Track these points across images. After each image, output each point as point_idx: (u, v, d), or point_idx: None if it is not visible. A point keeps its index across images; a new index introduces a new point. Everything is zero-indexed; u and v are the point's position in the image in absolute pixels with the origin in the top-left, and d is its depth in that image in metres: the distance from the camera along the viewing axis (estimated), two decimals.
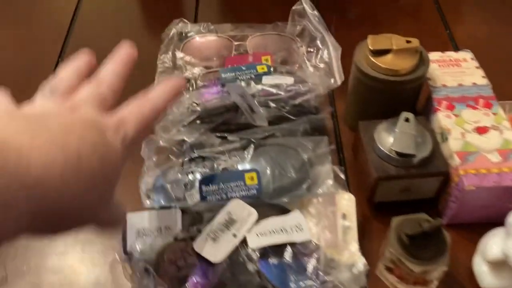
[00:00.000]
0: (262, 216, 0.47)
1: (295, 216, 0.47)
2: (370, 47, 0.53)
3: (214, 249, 0.44)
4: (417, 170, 0.50)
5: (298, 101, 0.56)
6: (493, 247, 0.46)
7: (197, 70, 0.64)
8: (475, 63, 0.59)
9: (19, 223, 0.26)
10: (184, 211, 0.48)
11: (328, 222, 0.48)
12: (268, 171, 0.51)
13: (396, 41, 0.53)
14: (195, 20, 0.77)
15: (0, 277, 0.50)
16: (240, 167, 0.52)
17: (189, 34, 0.68)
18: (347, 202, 0.50)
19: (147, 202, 0.52)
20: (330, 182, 0.51)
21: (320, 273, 0.43)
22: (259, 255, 0.44)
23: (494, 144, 0.50)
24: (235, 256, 0.44)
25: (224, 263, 0.43)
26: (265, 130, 0.55)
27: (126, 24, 0.78)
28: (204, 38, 0.68)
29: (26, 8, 0.80)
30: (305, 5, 0.66)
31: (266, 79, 0.58)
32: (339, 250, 0.47)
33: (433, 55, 0.59)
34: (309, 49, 0.67)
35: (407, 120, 0.51)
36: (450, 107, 0.54)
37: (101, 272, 0.50)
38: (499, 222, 0.46)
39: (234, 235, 0.45)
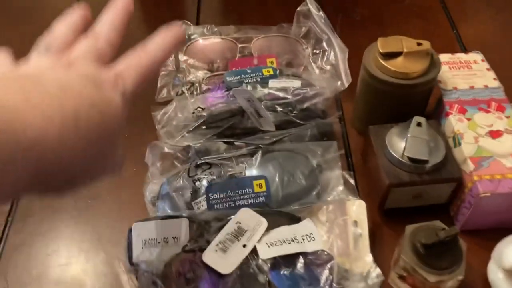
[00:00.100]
0: (272, 225, 0.45)
1: (306, 225, 0.46)
2: (380, 49, 0.52)
3: (224, 260, 0.43)
4: (430, 176, 0.48)
5: (306, 105, 0.55)
6: (509, 254, 0.45)
7: (200, 74, 0.63)
8: (486, 65, 0.57)
9: (17, 185, 0.26)
10: (191, 220, 0.46)
11: (339, 230, 0.47)
12: (277, 178, 0.50)
13: (406, 43, 0.52)
14: (197, 22, 0.75)
15: None
16: (247, 173, 0.51)
17: (192, 37, 0.67)
18: (357, 208, 0.49)
19: (153, 211, 0.50)
20: (341, 188, 0.50)
21: (334, 284, 0.42)
22: (270, 266, 0.43)
23: (509, 148, 0.49)
24: (245, 267, 0.43)
25: (234, 275, 0.42)
26: (272, 135, 0.53)
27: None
28: (208, 41, 0.66)
29: (26, 8, 0.79)
30: (310, 6, 0.65)
31: (272, 83, 0.57)
32: (351, 259, 0.46)
33: (443, 57, 0.57)
34: (314, 51, 0.66)
35: (419, 124, 0.49)
36: (462, 111, 0.53)
37: (105, 284, 0.49)
38: None
39: (244, 245, 0.44)
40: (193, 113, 0.54)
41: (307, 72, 0.63)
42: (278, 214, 0.47)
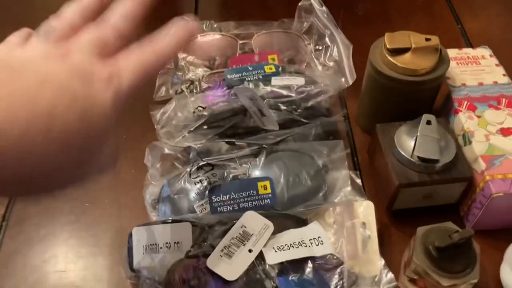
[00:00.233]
0: (278, 228, 0.44)
1: (314, 228, 0.44)
2: (387, 45, 0.50)
3: (229, 266, 0.41)
4: (440, 176, 0.47)
5: (310, 103, 0.53)
6: None
7: (200, 71, 0.61)
8: (495, 60, 0.56)
9: None
10: (193, 224, 0.45)
11: (347, 232, 0.46)
12: (282, 179, 0.48)
13: (414, 38, 0.50)
14: None
15: None
16: (251, 175, 0.49)
17: None
18: (365, 209, 0.47)
19: (153, 214, 0.49)
20: (348, 189, 0.49)
21: None
22: (277, 272, 0.41)
23: None
24: (252, 273, 0.41)
25: (240, 281, 0.40)
26: (276, 135, 0.52)
27: None
28: (207, 37, 0.64)
29: (26, 8, 0.77)
30: (312, 0, 0.64)
31: (275, 80, 0.55)
32: (360, 263, 0.44)
33: (450, 52, 0.56)
34: (317, 47, 0.65)
35: (428, 122, 0.48)
36: (472, 108, 0.51)
37: None
38: None
39: (250, 250, 0.42)
40: (194, 112, 0.53)
41: (310, 69, 0.62)
42: (284, 216, 0.46)
